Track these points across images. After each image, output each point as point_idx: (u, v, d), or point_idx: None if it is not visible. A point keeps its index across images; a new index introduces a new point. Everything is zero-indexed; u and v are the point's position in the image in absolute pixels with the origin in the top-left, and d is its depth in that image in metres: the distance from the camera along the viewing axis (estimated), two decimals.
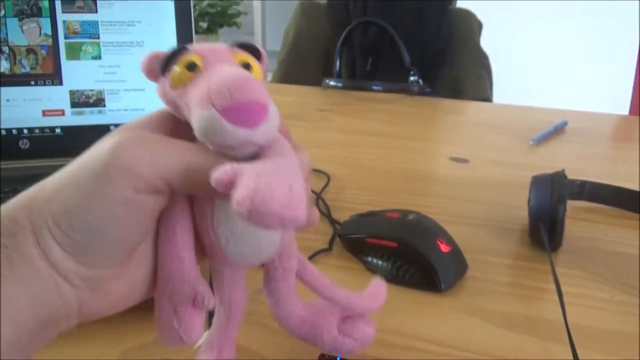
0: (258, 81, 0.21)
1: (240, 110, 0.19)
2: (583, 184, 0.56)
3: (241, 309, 0.28)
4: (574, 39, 2.10)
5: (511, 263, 0.46)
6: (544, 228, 0.44)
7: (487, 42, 1.21)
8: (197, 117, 0.20)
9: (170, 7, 0.59)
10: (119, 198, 0.20)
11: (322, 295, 0.29)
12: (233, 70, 0.21)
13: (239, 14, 2.91)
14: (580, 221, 0.53)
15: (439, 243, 0.42)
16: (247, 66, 0.23)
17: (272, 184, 0.18)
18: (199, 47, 0.23)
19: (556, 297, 0.39)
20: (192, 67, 0.22)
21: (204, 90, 0.20)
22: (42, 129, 0.58)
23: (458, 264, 0.43)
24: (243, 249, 0.23)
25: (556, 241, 0.45)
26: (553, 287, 0.42)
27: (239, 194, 0.18)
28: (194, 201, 0.24)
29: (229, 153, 0.21)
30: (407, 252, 0.41)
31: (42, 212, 0.20)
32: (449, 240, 0.43)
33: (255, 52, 0.24)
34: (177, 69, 0.22)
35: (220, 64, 0.22)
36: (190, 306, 0.24)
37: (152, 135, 0.22)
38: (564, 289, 0.39)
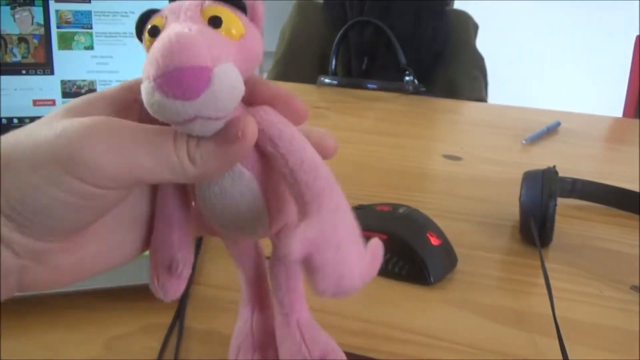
0: (199, 39, 0.17)
1: (168, 81, 0.17)
2: (574, 182, 0.56)
3: (255, 273, 0.27)
4: (568, 42, 2.11)
5: (501, 258, 0.46)
6: (535, 223, 0.44)
7: (483, 43, 1.22)
8: (142, 88, 0.18)
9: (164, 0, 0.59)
10: (76, 190, 0.18)
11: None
12: (172, 32, 0.18)
13: None
14: (570, 218, 0.53)
15: (429, 236, 0.42)
16: (215, 20, 0.19)
17: (348, 260, 0.19)
18: (167, 7, 0.20)
19: (545, 292, 0.39)
20: (154, 32, 0.19)
21: (148, 57, 0.18)
22: (32, 118, 0.57)
23: (448, 258, 0.42)
24: (228, 225, 0.23)
25: (546, 237, 0.45)
26: (542, 281, 0.42)
27: (324, 284, 0.19)
28: None
29: (190, 131, 0.19)
30: (397, 245, 0.41)
31: None
32: (439, 234, 0.43)
33: (235, 2, 0.20)
34: (145, 36, 0.20)
35: (174, 24, 0.19)
36: (168, 269, 0.24)
37: (122, 125, 0.19)
38: (553, 284, 0.39)
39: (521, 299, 0.40)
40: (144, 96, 0.18)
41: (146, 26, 0.20)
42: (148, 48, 0.19)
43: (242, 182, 0.21)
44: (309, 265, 0.19)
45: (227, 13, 0.19)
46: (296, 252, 0.18)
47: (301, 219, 0.20)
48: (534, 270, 0.44)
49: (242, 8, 0.20)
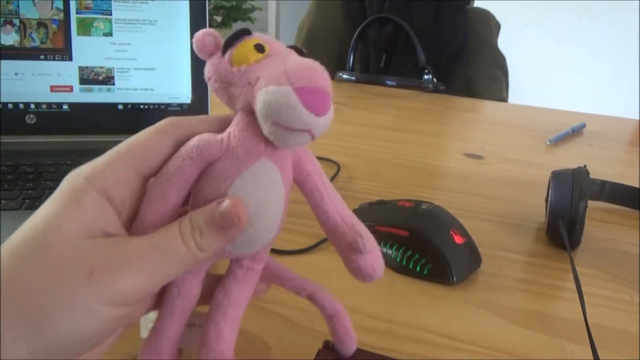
0: (327, 74, 0.22)
1: (315, 94, 0.20)
2: (603, 183, 0.54)
3: (192, 300, 0.25)
4: (593, 43, 2.06)
5: (526, 260, 0.44)
6: (564, 225, 0.42)
7: (505, 43, 1.19)
8: (270, 91, 0.20)
9: None
10: (115, 315, 0.19)
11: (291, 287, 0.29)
12: (309, 60, 0.22)
13: (253, 9, 2.91)
14: (598, 222, 0.51)
15: (453, 234, 0.40)
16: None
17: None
18: (261, 35, 0.24)
19: (573, 296, 0.37)
20: (260, 48, 0.23)
21: (281, 68, 0.21)
22: (49, 104, 0.57)
23: (472, 257, 0.41)
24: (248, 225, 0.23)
25: (575, 239, 0.43)
26: (570, 285, 0.40)
27: (376, 266, 0.25)
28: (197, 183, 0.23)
29: (293, 138, 0.21)
30: (419, 242, 0.40)
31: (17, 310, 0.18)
32: (463, 232, 0.41)
33: (302, 55, 0.24)
34: (243, 47, 0.23)
35: (289, 53, 0.23)
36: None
37: (137, 248, 0.20)
38: (582, 288, 0.37)
39: (548, 303, 0.38)
40: (273, 95, 0.20)
41: (240, 41, 0.23)
42: (245, 56, 0.22)
43: (278, 192, 0.23)
44: (371, 263, 0.25)
45: None
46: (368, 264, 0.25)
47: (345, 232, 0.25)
48: (561, 274, 0.42)
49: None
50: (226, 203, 0.21)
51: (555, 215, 0.43)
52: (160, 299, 0.24)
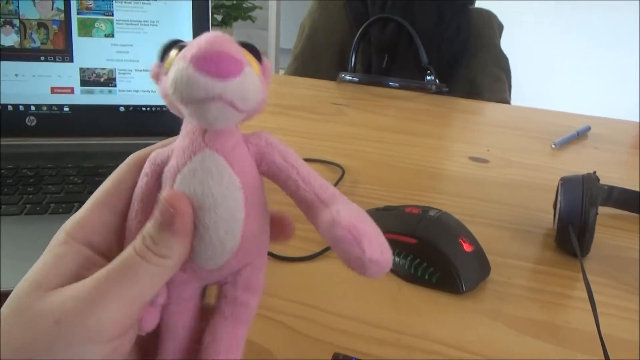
0: (236, 45, 0.20)
1: (208, 59, 0.18)
2: (611, 189, 0.53)
3: (184, 335, 0.23)
4: (595, 43, 2.06)
5: (535, 267, 0.43)
6: (574, 232, 0.41)
7: (508, 44, 1.18)
8: (170, 71, 0.19)
9: None
10: (104, 352, 0.19)
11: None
12: (212, 33, 0.20)
13: (254, 8, 2.90)
14: (607, 228, 0.50)
15: (462, 242, 0.39)
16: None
17: (382, 235, 0.21)
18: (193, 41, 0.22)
19: (584, 306, 0.36)
20: (182, 48, 0.21)
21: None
22: (49, 106, 0.56)
23: (480, 266, 0.40)
24: (201, 233, 0.21)
25: (585, 247, 0.42)
26: (580, 294, 0.39)
27: (372, 248, 0.20)
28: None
29: (205, 113, 0.19)
30: (427, 250, 0.39)
31: None
32: (472, 240, 0.40)
33: (255, 53, 0.22)
34: (171, 54, 0.21)
35: None
36: None
37: (100, 283, 0.19)
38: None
39: (559, 313, 0.38)
40: (172, 75, 0.19)
41: (170, 50, 0.21)
42: (170, 65, 0.20)
43: (226, 183, 0.21)
44: (355, 234, 0.20)
45: (251, 57, 0.21)
46: (345, 219, 0.20)
47: (322, 210, 0.21)
48: (571, 282, 0.42)
49: (258, 58, 0.22)
50: (160, 199, 0.20)
51: (565, 222, 0.42)
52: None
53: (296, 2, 2.92)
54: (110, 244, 0.22)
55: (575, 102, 1.80)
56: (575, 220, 0.42)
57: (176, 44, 0.21)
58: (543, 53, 2.10)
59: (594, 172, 0.44)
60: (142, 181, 0.22)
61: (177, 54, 0.20)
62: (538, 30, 2.09)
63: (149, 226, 0.20)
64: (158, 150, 0.22)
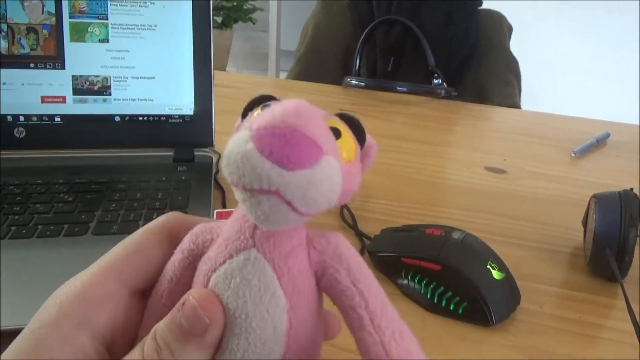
0: (322, 122, 0.15)
1: (276, 137, 0.14)
2: None
3: None
4: (606, 46, 2.02)
5: (569, 294, 0.39)
6: (612, 255, 0.38)
7: (518, 46, 1.15)
8: (229, 141, 0.15)
9: None
10: None
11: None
12: (295, 101, 0.16)
13: (254, 9, 2.87)
14: None
15: (490, 268, 0.36)
16: (335, 131, 0.17)
17: None
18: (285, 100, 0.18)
19: (629, 339, 0.33)
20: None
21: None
22: (40, 116, 0.52)
23: (511, 294, 0.36)
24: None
25: (623, 271, 0.39)
26: (621, 325, 0.36)
27: None
28: None
29: (254, 206, 0.15)
30: (453, 277, 0.35)
31: None
32: (501, 266, 0.37)
33: (356, 130, 0.18)
34: (255, 112, 0.17)
35: None
36: None
37: None
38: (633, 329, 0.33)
39: (601, 347, 0.34)
40: (230, 147, 0.15)
41: (258, 107, 0.17)
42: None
43: (267, 302, 0.16)
44: None
45: (347, 133, 0.17)
46: None
47: None
48: (609, 311, 0.38)
49: (362, 140, 0.18)
50: (190, 299, 0.16)
51: (602, 244, 0.39)
52: None
53: (297, 3, 2.88)
54: (115, 324, 0.17)
55: (587, 106, 1.76)
56: (613, 242, 0.38)
57: (264, 102, 0.17)
58: (553, 55, 2.06)
59: (631, 189, 0.41)
60: (177, 257, 0.18)
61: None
62: (548, 31, 2.05)
63: (166, 330, 0.15)
64: (204, 226, 0.18)
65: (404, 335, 0.17)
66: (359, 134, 0.18)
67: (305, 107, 0.15)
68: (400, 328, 0.17)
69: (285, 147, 0.14)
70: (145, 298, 0.18)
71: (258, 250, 0.16)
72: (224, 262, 0.16)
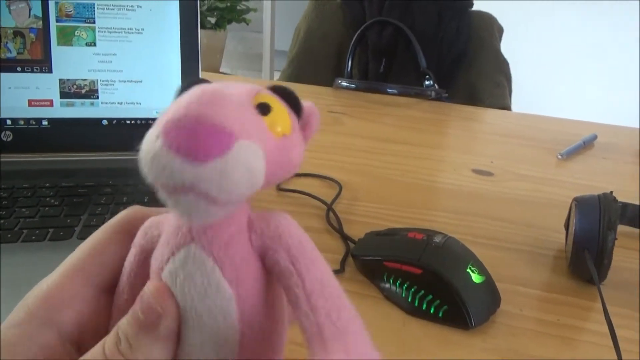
0: (234, 105, 0.15)
1: (179, 130, 0.13)
2: (624, 206, 0.50)
3: None
4: (597, 48, 2.03)
5: (549, 296, 0.40)
6: (591, 258, 0.38)
7: (508, 47, 1.15)
8: (144, 140, 0.15)
9: None
10: None
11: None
12: (208, 86, 0.15)
13: (248, 10, 2.87)
14: (623, 249, 0.47)
15: (470, 272, 0.36)
16: (263, 107, 0.16)
17: None
18: (221, 82, 0.17)
19: (605, 341, 0.33)
20: None
21: None
22: (27, 120, 0.52)
23: (491, 297, 0.37)
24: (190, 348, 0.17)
25: (602, 274, 0.39)
26: (598, 327, 0.36)
27: None
28: None
29: (178, 207, 0.15)
30: (433, 281, 0.36)
31: None
32: (481, 269, 0.37)
33: (291, 101, 0.17)
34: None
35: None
36: None
37: None
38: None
39: (577, 349, 0.35)
40: (143, 146, 0.14)
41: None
42: None
43: (212, 295, 0.16)
44: None
45: (279, 106, 0.17)
46: None
47: (317, 353, 0.15)
48: (587, 313, 0.38)
49: (297, 110, 0.18)
50: (145, 291, 0.16)
51: (581, 247, 0.39)
52: None
53: (291, 4, 2.88)
54: (84, 324, 0.18)
55: (577, 107, 1.78)
56: (591, 245, 0.39)
57: (196, 85, 0.16)
58: (543, 56, 2.08)
59: (611, 192, 0.41)
60: (132, 252, 0.18)
61: None
62: (538, 33, 2.06)
63: (125, 324, 0.16)
64: (153, 220, 0.18)
65: (342, 314, 0.16)
66: (294, 105, 0.17)
67: (217, 91, 0.15)
68: (340, 307, 0.16)
69: (191, 140, 0.13)
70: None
71: (197, 245, 0.16)
72: (168, 260, 0.16)
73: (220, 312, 0.16)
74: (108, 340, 0.16)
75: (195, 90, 0.15)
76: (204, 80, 0.17)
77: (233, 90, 0.16)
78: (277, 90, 0.17)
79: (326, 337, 0.15)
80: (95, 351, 0.16)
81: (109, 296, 0.19)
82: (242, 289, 0.16)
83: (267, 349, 0.18)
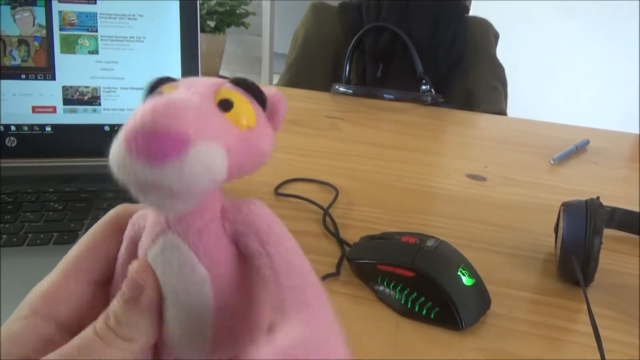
0: (190, 108, 0.16)
1: (137, 138, 0.15)
2: (613, 211, 0.51)
3: None
4: (593, 53, 2.05)
5: (538, 298, 0.41)
6: (577, 262, 0.40)
7: (504, 53, 1.17)
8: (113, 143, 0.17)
9: (175, 2, 0.55)
10: None
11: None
12: (167, 96, 0.17)
13: (247, 14, 2.88)
14: (610, 252, 0.48)
15: (461, 275, 0.37)
16: (225, 103, 0.18)
17: None
18: (184, 79, 0.19)
19: (590, 342, 0.35)
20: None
21: None
22: (31, 126, 0.54)
23: (481, 299, 0.38)
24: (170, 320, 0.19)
25: (589, 277, 0.41)
26: (585, 328, 0.37)
27: None
28: None
29: (148, 202, 0.17)
30: (425, 284, 0.37)
31: None
32: (472, 272, 0.39)
33: (254, 93, 0.19)
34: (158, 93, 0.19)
35: (177, 92, 0.18)
36: None
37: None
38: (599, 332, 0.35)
39: (563, 350, 0.36)
40: (111, 150, 0.16)
41: (154, 91, 0.18)
42: None
43: (188, 278, 0.18)
44: None
45: (241, 101, 0.18)
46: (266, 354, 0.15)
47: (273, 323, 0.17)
48: (575, 315, 0.40)
49: (262, 101, 0.19)
50: (129, 269, 0.18)
51: (568, 251, 0.41)
52: None
53: (290, 7, 2.90)
54: (82, 317, 0.19)
55: (572, 111, 1.79)
56: (578, 249, 0.40)
57: (158, 86, 0.18)
58: (539, 62, 2.09)
59: (598, 198, 0.43)
60: (124, 244, 0.20)
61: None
62: (534, 39, 2.08)
63: (114, 302, 0.18)
64: (141, 212, 0.20)
65: (307, 290, 0.17)
66: (257, 96, 0.19)
67: (175, 99, 0.16)
68: (305, 284, 0.17)
69: (149, 146, 0.15)
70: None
71: (173, 233, 0.18)
72: (150, 247, 0.18)
73: (195, 290, 0.18)
74: (99, 319, 0.18)
75: (156, 100, 0.16)
76: (169, 79, 0.18)
77: (193, 90, 0.17)
78: (240, 84, 0.19)
79: (288, 310, 0.17)
80: (87, 330, 0.18)
81: (106, 288, 0.20)
82: (215, 270, 0.18)
83: (243, 327, 0.19)
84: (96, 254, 0.20)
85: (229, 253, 0.18)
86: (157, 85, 0.18)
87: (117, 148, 0.16)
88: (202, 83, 0.18)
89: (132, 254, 0.20)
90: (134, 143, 0.15)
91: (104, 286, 0.20)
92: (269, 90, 0.20)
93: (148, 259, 0.18)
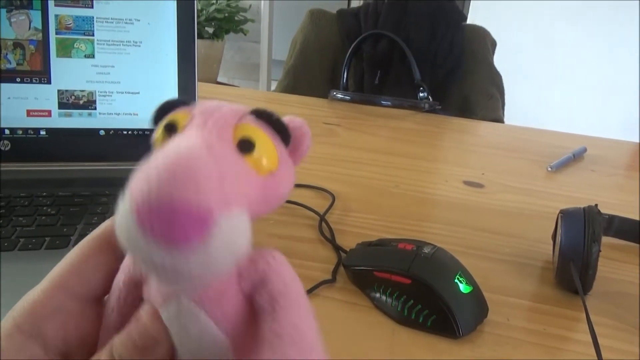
0: (211, 169, 0.13)
1: (153, 216, 0.12)
2: (611, 218, 0.51)
3: None
4: (590, 60, 2.06)
5: (535, 306, 0.41)
6: (576, 269, 0.39)
7: (501, 60, 1.17)
8: (118, 208, 0.14)
9: (172, 7, 0.55)
10: None
11: None
12: (183, 144, 0.14)
13: (246, 20, 2.89)
14: (608, 260, 0.48)
15: (458, 282, 0.37)
16: (246, 145, 0.16)
17: None
18: (200, 104, 0.17)
19: (589, 351, 0.34)
20: (170, 128, 0.16)
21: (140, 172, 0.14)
22: (25, 130, 0.53)
23: (478, 307, 0.38)
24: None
25: (587, 285, 0.40)
26: (583, 337, 0.37)
27: None
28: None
29: (160, 281, 0.15)
30: (422, 291, 0.37)
31: None
32: (469, 279, 0.38)
33: (277, 126, 0.16)
34: (158, 130, 0.17)
35: (193, 131, 0.15)
36: None
37: None
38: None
39: (562, 359, 0.35)
40: (118, 215, 0.14)
41: (165, 117, 0.16)
42: (158, 142, 0.16)
43: (207, 343, 0.16)
44: None
45: (263, 139, 0.16)
46: None
47: None
48: (573, 323, 0.39)
49: (286, 138, 0.17)
50: (142, 316, 0.16)
51: (566, 258, 0.40)
52: None
53: (289, 14, 2.91)
54: (67, 334, 0.18)
55: (570, 119, 1.80)
56: (576, 257, 0.40)
57: (170, 110, 0.16)
58: (536, 69, 2.10)
59: (596, 205, 0.42)
60: (121, 276, 0.18)
61: (163, 138, 0.15)
62: (531, 46, 2.10)
63: (120, 344, 0.16)
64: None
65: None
66: (281, 132, 0.17)
67: (193, 157, 0.13)
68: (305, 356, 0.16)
69: (167, 227, 0.12)
70: (103, 304, 0.19)
71: (186, 298, 0.16)
72: (161, 307, 0.16)
73: (215, 354, 0.16)
74: (102, 358, 0.17)
75: (167, 155, 0.13)
76: (181, 102, 0.17)
77: (210, 126, 0.15)
78: (262, 116, 0.16)
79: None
80: None
81: (95, 306, 0.19)
82: (237, 336, 0.16)
83: None
84: (83, 270, 0.19)
85: (247, 313, 0.17)
86: (168, 109, 0.16)
87: (125, 218, 0.13)
88: (220, 114, 0.16)
89: (132, 290, 0.18)
90: (149, 222, 0.12)
91: (92, 303, 0.19)
92: (294, 121, 0.18)
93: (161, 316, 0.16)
